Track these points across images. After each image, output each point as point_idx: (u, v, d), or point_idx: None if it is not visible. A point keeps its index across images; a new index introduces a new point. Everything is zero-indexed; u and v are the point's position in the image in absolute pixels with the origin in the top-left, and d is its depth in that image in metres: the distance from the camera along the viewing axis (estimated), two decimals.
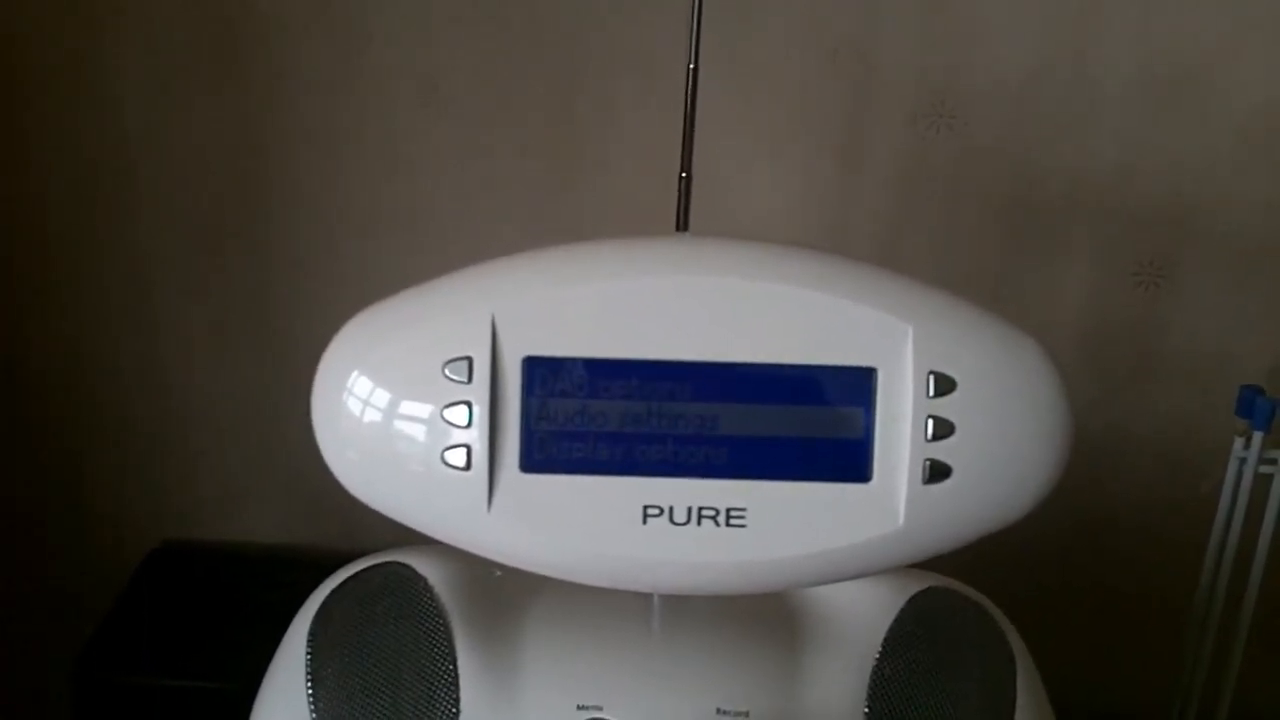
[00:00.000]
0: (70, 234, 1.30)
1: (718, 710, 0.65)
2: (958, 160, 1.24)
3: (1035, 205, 1.26)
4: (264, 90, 1.24)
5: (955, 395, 0.58)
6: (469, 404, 0.56)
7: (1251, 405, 1.14)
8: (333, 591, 0.73)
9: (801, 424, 0.58)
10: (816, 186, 1.25)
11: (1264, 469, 1.16)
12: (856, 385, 0.58)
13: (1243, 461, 1.17)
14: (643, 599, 0.71)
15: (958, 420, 0.58)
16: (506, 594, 0.72)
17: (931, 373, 0.58)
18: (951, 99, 1.22)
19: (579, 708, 0.65)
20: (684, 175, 0.80)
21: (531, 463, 0.56)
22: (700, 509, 0.56)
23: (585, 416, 0.58)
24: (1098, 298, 1.29)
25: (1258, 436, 1.15)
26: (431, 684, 0.67)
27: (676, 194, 0.82)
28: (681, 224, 0.82)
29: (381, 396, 0.54)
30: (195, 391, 1.36)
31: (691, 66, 0.78)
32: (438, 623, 0.69)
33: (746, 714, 0.65)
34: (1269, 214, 1.25)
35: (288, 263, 1.30)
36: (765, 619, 0.72)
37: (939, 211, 1.26)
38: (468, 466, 0.55)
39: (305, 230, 1.29)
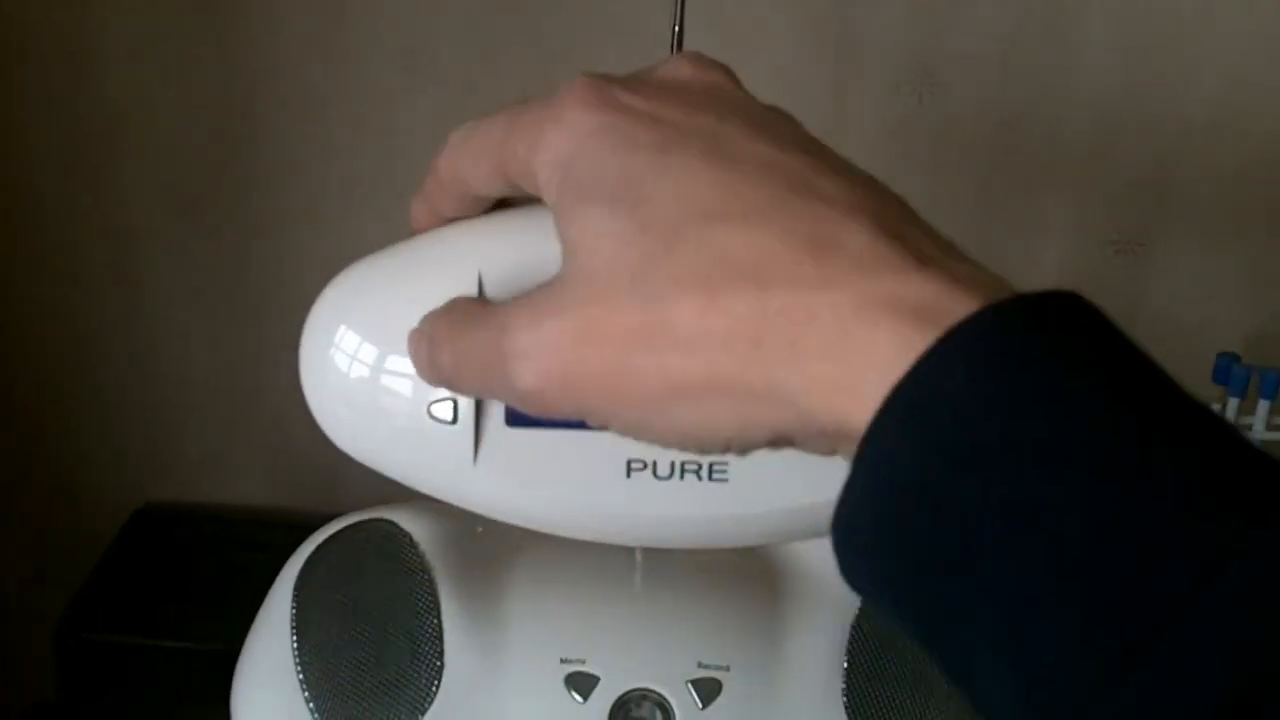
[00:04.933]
0: (51, 197, 1.30)
1: (699, 664, 0.66)
2: (939, 129, 1.24)
3: (1014, 174, 1.27)
4: (247, 54, 1.24)
5: None
6: None
7: (1228, 372, 1.15)
8: (317, 548, 0.74)
9: None
10: None
11: None
12: None
13: None
14: (626, 555, 0.72)
15: None
16: (491, 550, 0.73)
17: None
18: (933, 67, 1.22)
19: (562, 661, 0.66)
20: None
21: (516, 416, 0.56)
22: (683, 463, 0.57)
23: None
24: (1075, 266, 1.30)
25: (1233, 403, 1.16)
26: (416, 638, 0.67)
27: None
28: None
29: (368, 351, 0.55)
30: (178, 354, 1.36)
31: (676, 29, 0.79)
32: (422, 578, 0.70)
33: (728, 668, 0.66)
34: (1245, 182, 1.26)
35: (271, 226, 1.30)
36: (748, 575, 0.73)
37: (919, 180, 1.26)
38: (454, 420, 0.55)
39: (288, 194, 1.29)
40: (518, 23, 1.22)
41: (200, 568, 1.32)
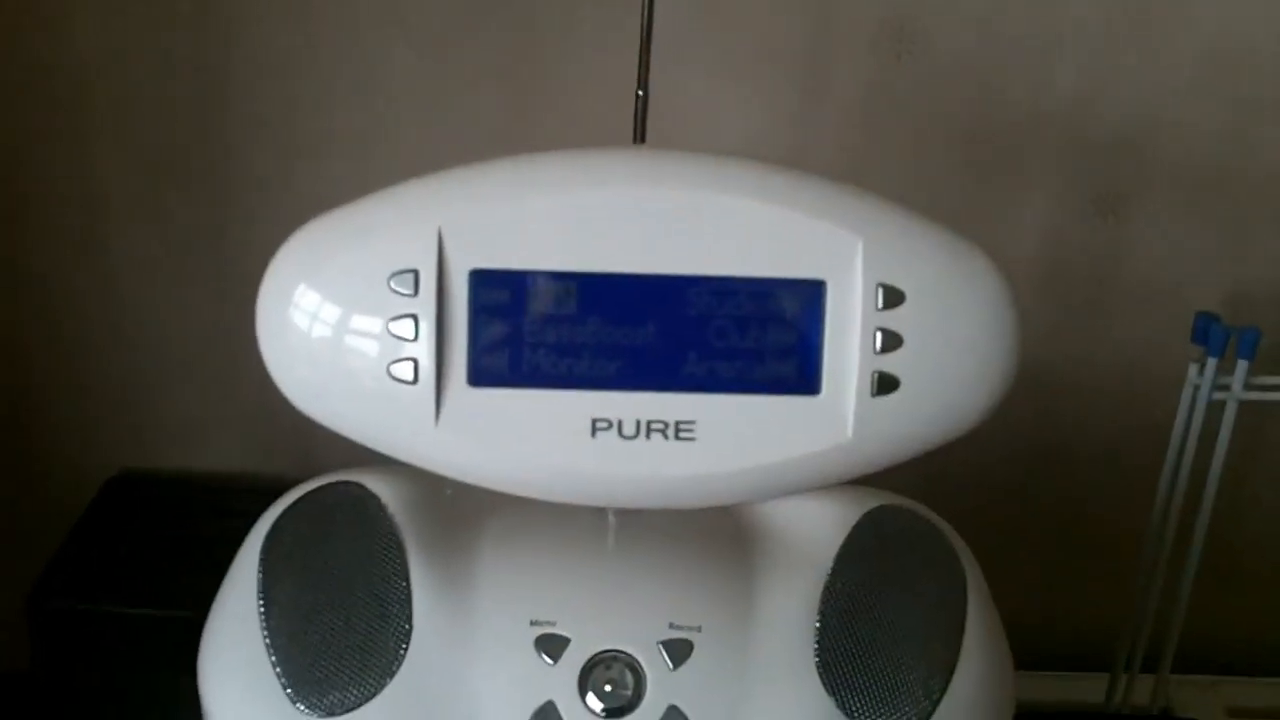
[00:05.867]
0: (23, 160, 1.28)
1: (670, 624, 0.65)
2: (918, 89, 1.23)
3: (995, 135, 1.26)
4: (220, 12, 1.22)
5: (904, 308, 0.58)
6: (415, 317, 0.56)
7: (1206, 332, 1.15)
8: (284, 511, 0.73)
9: (750, 337, 0.59)
10: (777, 112, 1.25)
11: (1217, 395, 1.17)
12: (806, 298, 0.58)
13: (1196, 388, 1.18)
14: (598, 517, 0.71)
15: (906, 332, 0.58)
16: (461, 512, 0.72)
17: (880, 285, 0.58)
18: (912, 26, 1.21)
19: (532, 623, 0.65)
20: (640, 93, 0.79)
21: (479, 376, 0.55)
22: (649, 422, 0.56)
23: (532, 330, 0.57)
24: (1056, 227, 1.29)
25: (1211, 363, 1.16)
26: (384, 601, 0.66)
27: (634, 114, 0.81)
28: (637, 142, 0.82)
29: (327, 310, 0.54)
30: (152, 319, 1.35)
31: None
32: (390, 540, 0.69)
33: (699, 628, 0.66)
34: (1225, 143, 1.25)
35: (245, 188, 1.29)
36: (719, 536, 0.72)
37: (899, 141, 1.26)
38: (415, 380, 0.55)
39: (262, 155, 1.28)
40: None
41: (174, 535, 1.31)
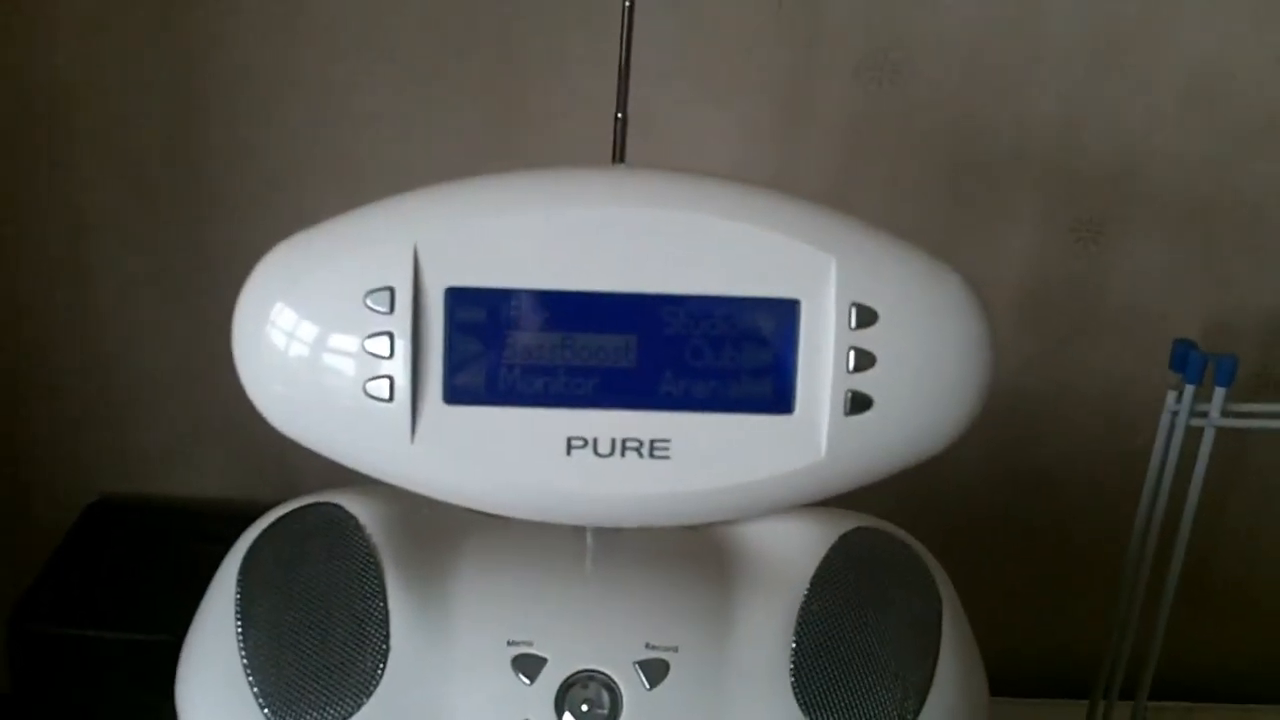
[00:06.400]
0: (1, 181, 1.28)
1: (647, 645, 0.66)
2: (901, 115, 1.24)
3: (977, 161, 1.27)
4: (202, 32, 1.22)
5: (877, 327, 0.59)
6: (390, 335, 0.56)
7: (1184, 359, 1.15)
8: (263, 532, 0.73)
9: (725, 355, 0.59)
10: (760, 138, 1.25)
11: (1194, 422, 1.18)
12: (780, 317, 0.59)
13: (1174, 415, 1.18)
14: (576, 538, 0.71)
15: (879, 352, 0.59)
16: (438, 533, 0.72)
17: (854, 304, 0.58)
18: (896, 52, 1.22)
19: (509, 643, 0.66)
20: (619, 116, 0.80)
21: (455, 394, 0.56)
22: (624, 440, 0.56)
23: (508, 348, 0.58)
24: (1038, 254, 1.30)
25: (1189, 390, 1.16)
26: (362, 621, 0.67)
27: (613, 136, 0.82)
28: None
29: (303, 327, 0.54)
30: (132, 343, 1.35)
31: (627, 4, 0.78)
32: (368, 561, 0.69)
33: (676, 649, 0.66)
34: (1206, 171, 1.26)
35: (226, 210, 1.28)
36: (696, 557, 0.72)
37: (881, 167, 1.27)
38: (390, 398, 0.55)
39: (243, 176, 1.27)
40: (480, 3, 1.21)
41: (155, 560, 1.30)
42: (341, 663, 0.65)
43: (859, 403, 0.59)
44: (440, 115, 1.25)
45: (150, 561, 1.30)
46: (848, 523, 0.73)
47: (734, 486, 0.57)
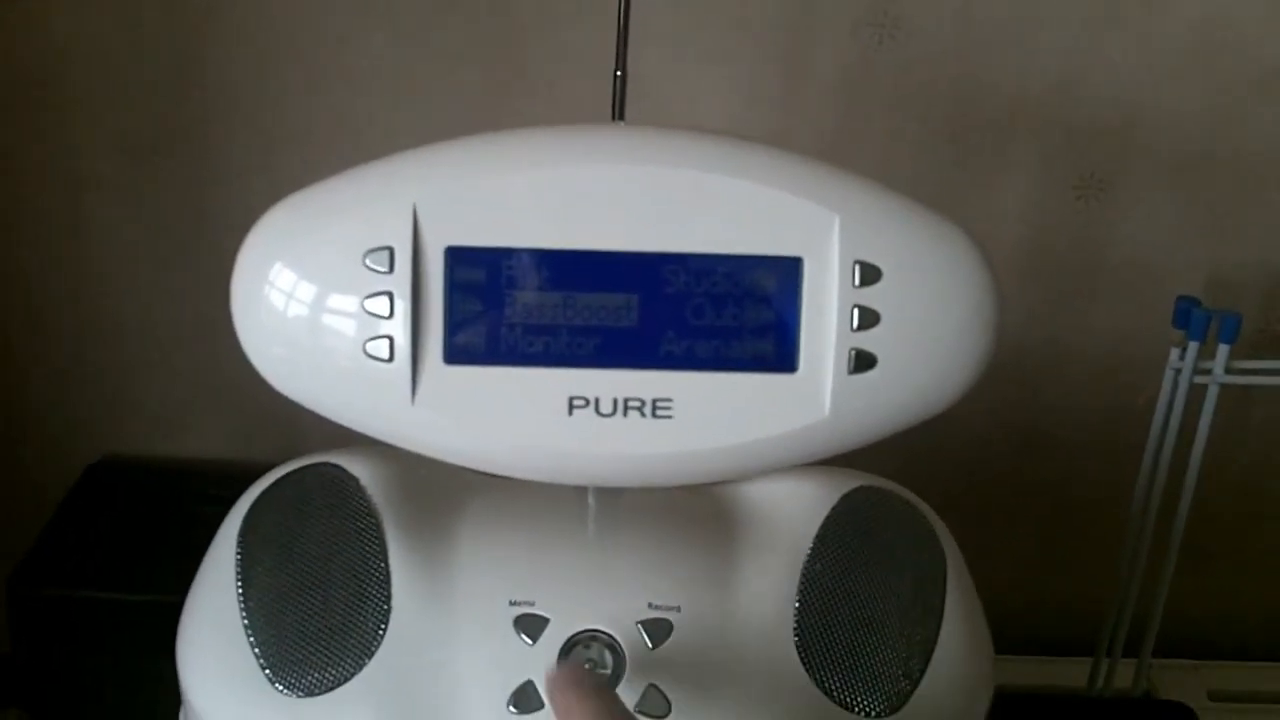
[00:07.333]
0: (1, 145, 1.27)
1: (650, 604, 0.65)
2: (900, 72, 1.23)
3: (977, 119, 1.26)
4: None
5: (881, 284, 0.58)
6: (390, 295, 0.55)
7: (1187, 316, 1.15)
8: (263, 493, 0.72)
9: (728, 314, 0.58)
10: (760, 97, 1.25)
11: (1198, 379, 1.17)
12: (783, 275, 0.58)
13: (1178, 372, 1.18)
14: (578, 498, 0.71)
15: (883, 310, 0.58)
16: (440, 493, 0.72)
17: (857, 262, 0.58)
18: (894, 9, 1.21)
19: (511, 603, 0.65)
20: (619, 73, 0.79)
21: (455, 354, 0.55)
22: (626, 400, 0.56)
23: (509, 307, 0.57)
24: (1038, 211, 1.29)
25: (1193, 347, 1.16)
26: (363, 581, 0.66)
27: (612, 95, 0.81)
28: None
29: (302, 287, 0.54)
30: (133, 306, 1.35)
31: None
32: (369, 521, 0.68)
33: (678, 608, 0.66)
34: (1206, 126, 1.25)
35: (225, 173, 1.28)
36: (699, 517, 0.72)
37: (881, 124, 1.26)
38: (390, 358, 0.54)
39: (241, 140, 1.27)
40: None
41: (156, 521, 1.31)
42: (343, 623, 0.65)
43: (863, 361, 0.58)
44: (436, 76, 1.24)
45: (150, 522, 1.30)
46: (851, 482, 0.72)
47: (737, 446, 0.57)
